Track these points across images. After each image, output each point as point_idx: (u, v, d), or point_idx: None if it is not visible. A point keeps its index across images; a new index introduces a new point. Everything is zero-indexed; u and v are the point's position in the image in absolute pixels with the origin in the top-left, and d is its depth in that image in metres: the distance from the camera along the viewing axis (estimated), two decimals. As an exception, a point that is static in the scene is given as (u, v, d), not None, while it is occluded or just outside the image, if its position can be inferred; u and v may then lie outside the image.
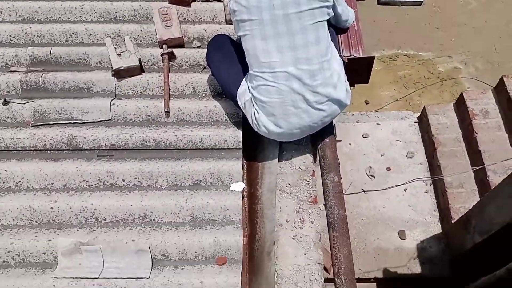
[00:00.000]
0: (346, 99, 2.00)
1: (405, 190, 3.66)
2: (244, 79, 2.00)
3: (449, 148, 3.58)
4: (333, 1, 1.99)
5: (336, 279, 1.68)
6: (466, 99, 3.55)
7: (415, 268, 3.36)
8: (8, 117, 2.08)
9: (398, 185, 3.50)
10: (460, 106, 3.66)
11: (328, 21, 1.97)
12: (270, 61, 1.85)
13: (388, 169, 3.78)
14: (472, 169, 3.26)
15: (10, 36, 2.30)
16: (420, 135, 3.91)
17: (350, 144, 3.97)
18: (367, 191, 3.61)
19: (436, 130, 3.67)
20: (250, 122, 2.01)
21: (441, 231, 3.46)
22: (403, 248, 3.42)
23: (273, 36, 1.84)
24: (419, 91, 5.53)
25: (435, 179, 3.50)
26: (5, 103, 2.08)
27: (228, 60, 2.04)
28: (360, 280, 3.37)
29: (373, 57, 3.08)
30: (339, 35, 3.02)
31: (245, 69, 1.98)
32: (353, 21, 2.41)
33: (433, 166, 3.63)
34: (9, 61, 2.22)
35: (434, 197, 3.62)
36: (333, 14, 2.02)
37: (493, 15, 6.19)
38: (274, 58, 1.85)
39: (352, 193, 3.52)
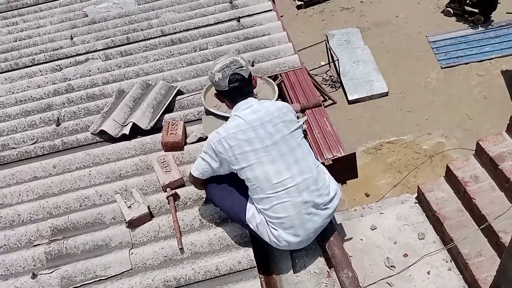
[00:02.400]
0: (339, 191, 2.27)
1: (428, 273, 3.63)
2: (249, 204, 2.18)
3: (455, 220, 3.65)
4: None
5: None
6: (453, 169, 3.74)
7: None
8: (37, 290, 2.21)
9: (415, 262, 3.49)
10: (450, 177, 3.83)
11: None
12: (282, 180, 2.08)
13: (405, 255, 3.78)
14: (479, 227, 3.30)
15: (29, 214, 2.54)
16: (424, 214, 3.99)
17: (361, 239, 4.01)
18: (387, 277, 3.57)
19: (436, 206, 3.77)
20: (268, 241, 2.15)
21: (475, 306, 3.36)
22: (444, 334, 3.27)
23: (280, 157, 2.09)
24: (412, 173, 5.75)
25: (449, 247, 3.50)
26: (34, 276, 2.22)
27: (228, 190, 2.22)
28: None
29: (354, 153, 3.37)
30: (320, 141, 3.34)
31: (245, 194, 2.17)
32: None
33: (446, 241, 3.66)
34: (31, 236, 2.43)
35: (459, 273, 3.57)
36: None
37: (455, 89, 6.73)
38: (285, 176, 2.08)
39: (370, 285, 3.49)
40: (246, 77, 2.19)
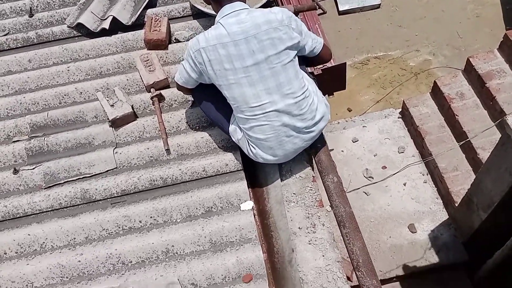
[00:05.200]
0: (327, 114, 2.13)
1: (404, 184, 3.79)
2: (232, 119, 2.11)
3: (436, 135, 3.74)
4: (301, 38, 2.01)
5: (356, 272, 1.77)
6: (440, 85, 3.74)
7: (433, 258, 3.43)
8: (20, 185, 2.17)
9: (394, 173, 3.62)
10: (436, 93, 3.84)
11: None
12: (261, 104, 1.94)
13: (384, 167, 3.91)
14: (458, 144, 3.40)
15: (6, 109, 2.42)
16: (406, 129, 4.06)
17: (342, 151, 4.10)
18: (371, 181, 3.71)
19: (419, 121, 3.83)
20: (246, 154, 2.13)
21: (448, 217, 3.56)
22: (416, 241, 3.50)
23: (260, 80, 1.92)
24: (396, 89, 5.73)
25: (426, 161, 3.62)
26: (15, 171, 2.17)
27: (214, 100, 2.13)
28: (383, 281, 3.42)
29: (345, 63, 3.26)
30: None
31: (230, 108, 2.06)
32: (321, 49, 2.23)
33: (425, 155, 3.77)
34: (10, 132, 2.33)
35: (434, 185, 3.74)
36: (302, 47, 2.05)
37: (448, 4, 6.50)
38: (264, 101, 1.94)
39: (354, 190, 3.62)
40: None
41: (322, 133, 2.16)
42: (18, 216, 2.10)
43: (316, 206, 2.02)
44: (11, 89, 2.52)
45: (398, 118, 4.13)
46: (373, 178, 3.83)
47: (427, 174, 3.76)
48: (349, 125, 4.20)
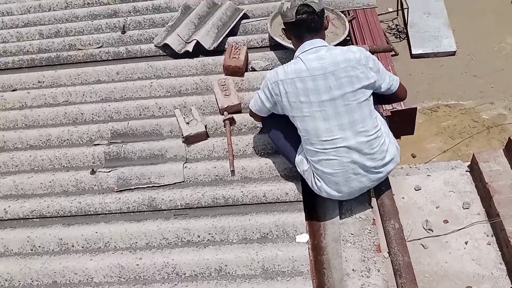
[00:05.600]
0: (397, 157, 2.16)
1: (466, 243, 3.59)
2: (299, 150, 2.16)
3: (506, 195, 3.54)
4: (378, 77, 2.04)
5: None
6: (516, 143, 3.57)
7: (490, 326, 3.20)
8: (95, 185, 2.35)
9: (458, 229, 3.45)
10: (510, 151, 3.66)
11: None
12: (332, 139, 1.99)
13: (446, 221, 3.74)
14: None
15: (92, 114, 2.65)
16: (474, 184, 3.88)
17: (403, 197, 3.98)
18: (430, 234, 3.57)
19: (489, 178, 3.65)
20: (310, 186, 2.16)
21: (511, 285, 3.32)
22: (472, 305, 3.29)
23: (334, 116, 1.98)
24: (466, 141, 5.52)
25: (493, 222, 3.43)
26: (93, 172, 2.36)
27: (283, 129, 2.20)
28: None
29: (415, 108, 3.23)
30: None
31: (298, 139, 2.12)
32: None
33: (492, 215, 3.57)
34: (93, 136, 2.54)
35: (498, 249, 3.51)
36: (379, 86, 2.08)
37: (530, 59, 6.24)
38: (336, 136, 1.99)
39: (413, 240, 3.49)
40: (317, 11, 2.04)
41: (388, 176, 2.15)
42: (89, 213, 2.27)
43: (374, 250, 2.00)
44: (98, 97, 2.75)
45: (466, 171, 3.96)
46: (432, 231, 3.67)
47: (492, 236, 3.54)
48: (412, 172, 4.08)
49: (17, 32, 3.24)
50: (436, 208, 3.77)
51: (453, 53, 6.48)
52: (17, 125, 2.68)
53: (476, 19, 6.88)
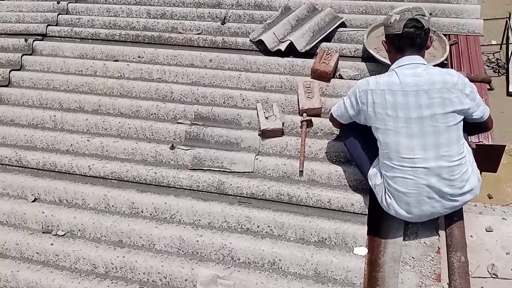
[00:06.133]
0: (477, 188, 2.06)
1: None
2: (375, 163, 2.14)
3: None
4: (473, 105, 1.99)
5: None
6: None
7: None
8: (172, 160, 2.50)
9: None
10: None
11: None
12: (412, 158, 1.95)
13: (515, 270, 3.49)
14: None
15: (181, 94, 2.81)
16: (553, 236, 3.58)
17: (471, 236, 3.75)
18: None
19: None
20: (379, 201, 2.13)
21: None
22: None
23: (419, 134, 1.94)
24: (551, 191, 5.11)
25: None
26: (172, 147, 2.51)
27: (361, 139, 2.19)
28: None
29: (504, 146, 3.05)
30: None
31: (375, 152, 2.10)
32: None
33: None
34: (178, 114, 2.71)
35: None
36: (471, 113, 2.03)
37: None
38: (417, 155, 1.95)
39: (479, 277, 3.30)
40: (425, 27, 2.03)
41: (462, 207, 2.07)
42: (162, 184, 2.42)
43: (433, 278, 1.94)
44: (189, 80, 2.92)
45: (547, 222, 3.66)
46: (497, 276, 3.45)
47: None
48: (486, 212, 3.83)
49: (128, 8, 3.51)
50: (506, 254, 3.52)
51: (554, 97, 6.02)
52: (113, 92, 2.92)
53: None
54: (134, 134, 2.66)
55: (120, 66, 3.05)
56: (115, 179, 2.47)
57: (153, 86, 2.87)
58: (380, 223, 2.25)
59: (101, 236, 2.25)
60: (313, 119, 2.56)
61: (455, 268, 1.86)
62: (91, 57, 3.19)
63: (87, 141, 2.62)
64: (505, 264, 3.52)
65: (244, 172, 2.40)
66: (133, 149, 2.56)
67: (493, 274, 3.47)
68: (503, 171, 5.37)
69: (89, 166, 2.51)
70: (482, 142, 3.05)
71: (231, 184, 2.33)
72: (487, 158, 3.08)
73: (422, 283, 1.93)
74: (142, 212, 2.32)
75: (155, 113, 2.74)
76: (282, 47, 2.93)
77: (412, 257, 2.02)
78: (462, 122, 1.98)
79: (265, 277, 2.01)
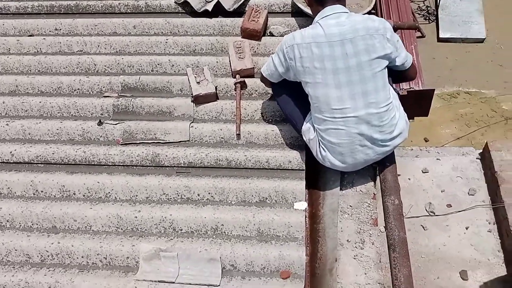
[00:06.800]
0: (405, 131, 2.12)
1: (466, 228, 3.58)
2: (307, 118, 2.14)
3: (514, 185, 3.49)
4: (394, 49, 2.01)
5: (396, 299, 1.74)
6: (532, 135, 3.48)
7: (478, 310, 3.23)
8: (101, 136, 2.37)
9: (459, 211, 3.44)
10: (526, 142, 3.58)
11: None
12: (342, 108, 1.96)
13: (449, 205, 3.72)
14: None
15: (105, 66, 2.64)
16: (483, 172, 3.83)
17: (409, 179, 3.96)
18: (431, 213, 3.56)
19: (499, 167, 3.59)
20: (315, 155, 2.15)
21: (506, 273, 3.32)
22: (464, 289, 3.31)
23: (347, 84, 1.94)
24: (481, 130, 5.41)
25: (496, 207, 3.40)
26: (100, 123, 2.37)
27: (293, 97, 2.18)
28: (419, 319, 3.27)
29: (433, 90, 3.17)
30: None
31: (307, 107, 2.10)
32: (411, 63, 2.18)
33: (496, 204, 3.54)
34: (103, 87, 2.55)
35: (498, 237, 3.50)
36: (394, 59, 2.03)
37: None
38: (346, 105, 1.96)
39: (411, 217, 3.49)
40: None
41: (393, 152, 2.12)
42: (93, 163, 2.29)
43: (370, 223, 2.00)
44: (113, 49, 2.74)
45: (477, 159, 3.90)
46: (434, 213, 3.67)
47: (494, 224, 3.52)
48: (422, 154, 4.04)
49: (37, -23, 3.21)
50: (441, 191, 3.75)
51: (481, 40, 6.27)
52: (30, 70, 2.69)
53: (511, 7, 6.62)
54: (58, 113, 2.49)
55: (36, 41, 2.80)
56: (41, 163, 2.32)
57: (74, 60, 2.67)
58: (317, 176, 2.27)
59: (32, 224, 2.12)
60: (247, 80, 2.50)
61: (390, 211, 1.93)
62: (2, 33, 2.90)
63: (6, 126, 2.42)
64: (440, 201, 3.74)
65: (180, 141, 2.32)
66: (58, 129, 2.40)
67: (431, 212, 3.69)
68: (437, 114, 5.63)
69: (11, 152, 2.33)
70: (413, 88, 3.14)
71: (166, 156, 2.26)
72: (419, 103, 3.19)
73: (360, 229, 1.99)
74: (74, 194, 2.20)
75: (78, 89, 2.57)
76: (209, 7, 2.80)
77: (350, 206, 2.07)
78: (387, 68, 2.00)
79: (208, 244, 1.99)
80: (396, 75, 2.18)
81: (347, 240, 1.98)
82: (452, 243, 3.48)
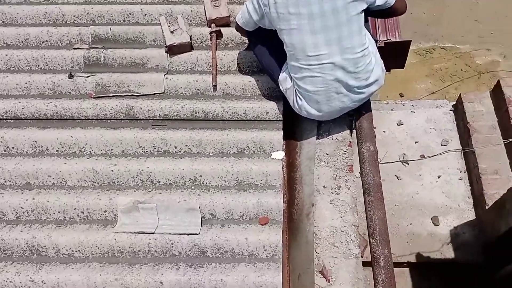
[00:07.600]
0: (381, 79, 2.11)
1: (438, 177, 3.71)
2: (284, 67, 2.11)
3: (484, 135, 3.60)
4: None
5: (370, 240, 1.80)
6: (503, 86, 3.57)
7: (448, 253, 3.40)
8: (73, 89, 2.29)
9: (432, 155, 3.55)
10: (497, 93, 3.67)
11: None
12: (318, 55, 1.93)
13: (422, 156, 3.82)
14: (504, 141, 3.28)
15: (74, 16, 2.52)
16: (455, 123, 3.93)
17: (384, 131, 4.03)
18: (403, 160, 3.67)
19: (471, 118, 3.69)
20: (291, 105, 2.14)
21: (475, 217, 3.49)
22: (436, 234, 3.46)
23: (322, 29, 1.90)
24: (455, 84, 5.51)
25: (466, 151, 3.53)
26: (71, 76, 2.29)
27: (269, 46, 2.14)
28: (393, 264, 3.43)
29: (410, 41, 3.17)
30: (377, 20, 3.11)
31: (283, 57, 2.07)
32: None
33: (468, 153, 3.65)
34: (73, 39, 2.44)
35: (468, 184, 3.64)
36: (373, 1, 1.97)
37: (536, 7, 6.07)
38: (322, 51, 1.92)
39: (387, 162, 3.59)
40: None
41: (369, 100, 2.13)
42: (65, 117, 2.23)
43: (346, 170, 2.03)
44: (81, -1, 2.61)
45: (450, 110, 3.99)
46: (408, 164, 3.77)
47: (465, 172, 3.66)
48: (397, 108, 4.10)
49: None
50: (415, 143, 3.84)
51: (459, -5, 6.26)
52: (-7, 22, 2.55)
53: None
54: (26, 66, 2.38)
55: (-3, -9, 2.64)
56: (11, 119, 2.24)
57: (41, 10, 2.53)
58: (295, 126, 2.28)
59: (4, 182, 2.07)
60: (222, 29, 2.43)
61: (365, 157, 1.97)
62: (-41, -18, 2.72)
63: (-30, 80, 2.32)
64: (414, 152, 3.84)
65: (154, 93, 2.27)
66: (26, 83, 2.31)
67: (404, 162, 3.80)
68: (413, 69, 5.68)
69: (-22, 108, 2.24)
70: (389, 39, 3.13)
71: (141, 108, 2.21)
72: (395, 54, 3.20)
73: (336, 175, 2.03)
74: (47, 149, 2.15)
75: (46, 40, 2.45)
76: (181, -46, 2.68)
77: (326, 153, 2.10)
78: (363, 13, 1.96)
79: (187, 194, 1.99)
80: (385, 13, 2.07)
81: (324, 186, 2.01)
82: (425, 191, 3.61)
